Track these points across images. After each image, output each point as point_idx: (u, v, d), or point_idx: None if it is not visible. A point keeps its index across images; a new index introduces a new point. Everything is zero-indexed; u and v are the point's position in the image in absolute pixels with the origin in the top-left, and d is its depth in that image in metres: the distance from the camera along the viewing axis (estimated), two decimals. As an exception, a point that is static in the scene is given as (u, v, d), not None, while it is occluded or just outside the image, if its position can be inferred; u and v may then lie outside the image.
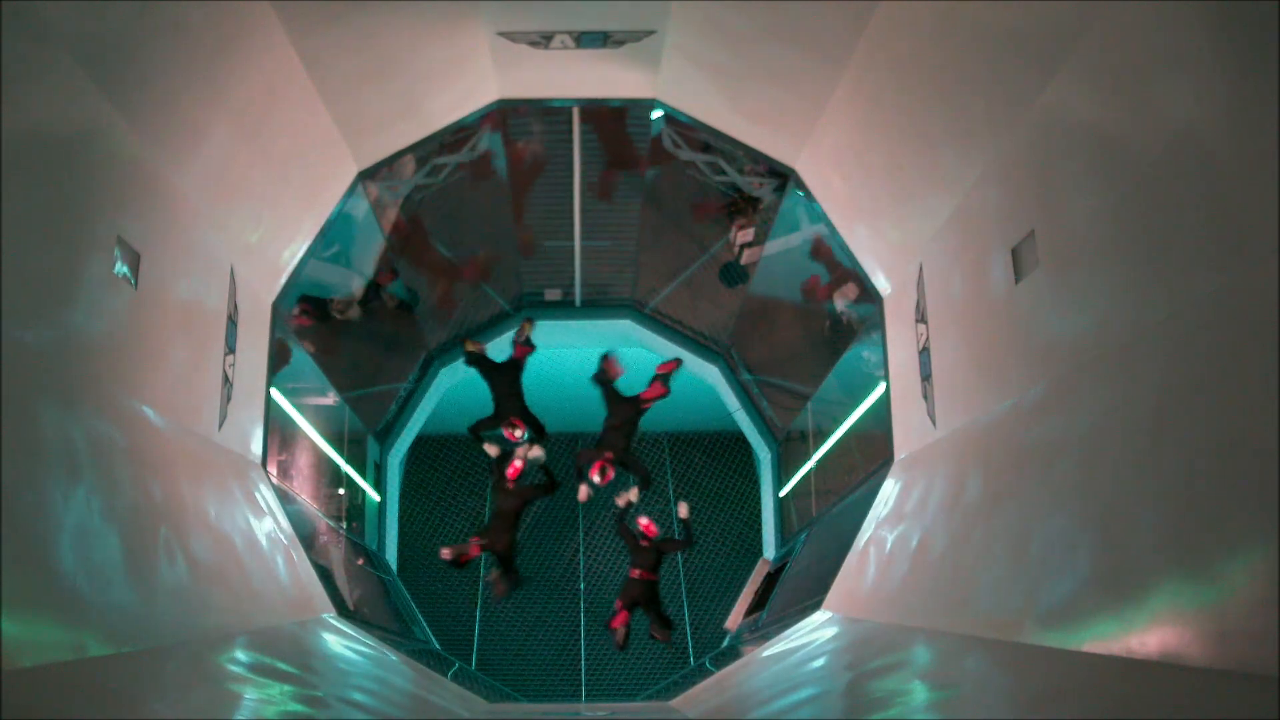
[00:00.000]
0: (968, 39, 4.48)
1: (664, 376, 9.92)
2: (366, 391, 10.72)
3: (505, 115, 8.23)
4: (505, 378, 9.90)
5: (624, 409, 9.80)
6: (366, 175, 7.66)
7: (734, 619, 10.58)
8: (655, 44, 6.66)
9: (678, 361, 10.13)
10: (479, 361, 10.09)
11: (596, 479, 9.38)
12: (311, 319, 8.72)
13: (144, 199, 4.68)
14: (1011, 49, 4.19)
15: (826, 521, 8.80)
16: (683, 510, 9.90)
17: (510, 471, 9.65)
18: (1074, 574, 3.38)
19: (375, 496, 11.29)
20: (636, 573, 9.54)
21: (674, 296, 11.08)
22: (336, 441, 9.64)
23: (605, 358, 10.01)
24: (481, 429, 9.86)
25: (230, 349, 6.01)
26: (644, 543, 9.56)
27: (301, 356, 8.37)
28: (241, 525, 5.62)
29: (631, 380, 10.21)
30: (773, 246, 9.47)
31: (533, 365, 12.61)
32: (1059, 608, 3.41)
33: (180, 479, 4.81)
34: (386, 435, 11.38)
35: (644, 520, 9.58)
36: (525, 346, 10.07)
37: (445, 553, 9.88)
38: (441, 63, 6.79)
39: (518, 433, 9.54)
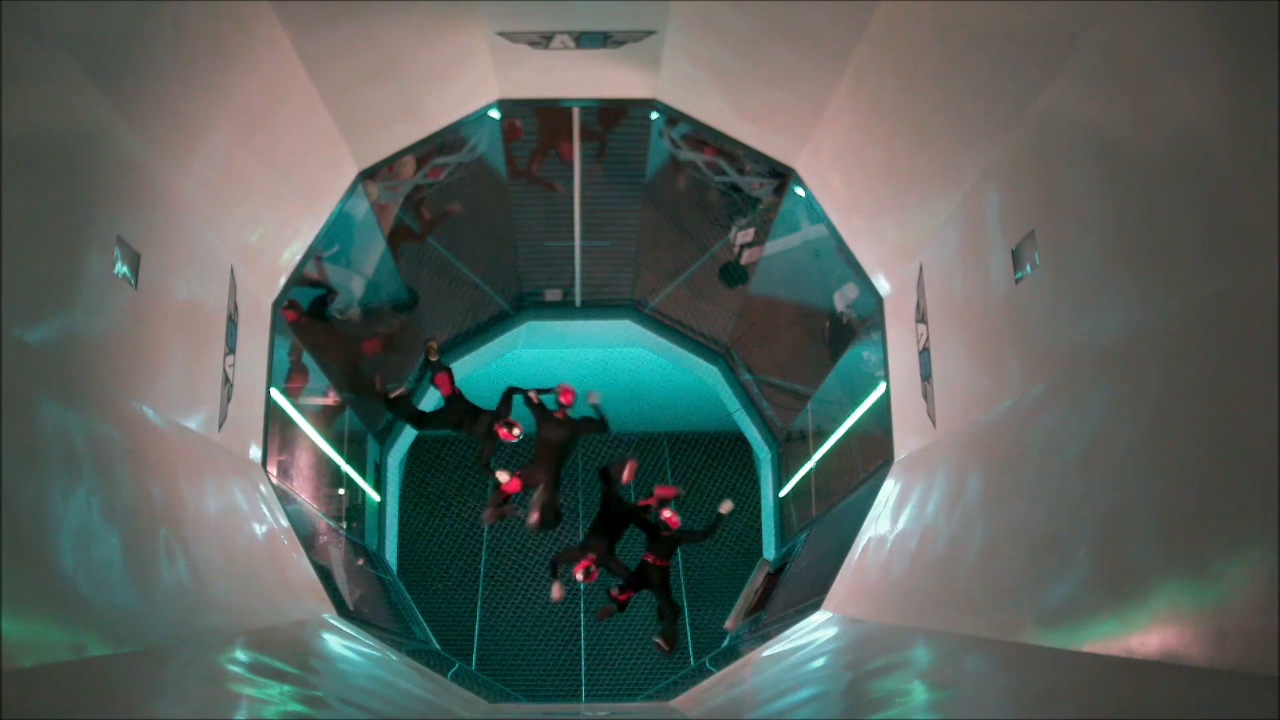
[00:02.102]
0: (968, 39, 4.48)
1: (663, 499, 9.59)
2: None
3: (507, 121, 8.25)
4: (457, 409, 9.34)
5: (620, 514, 9.43)
6: (366, 175, 7.66)
7: (734, 619, 10.58)
8: (655, 44, 6.66)
9: (677, 492, 9.79)
10: (416, 419, 9.46)
11: (580, 577, 9.09)
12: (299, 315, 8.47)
13: (144, 199, 4.68)
14: (1011, 49, 4.19)
15: (826, 521, 8.80)
16: (725, 506, 9.74)
17: (564, 396, 9.12)
18: (1074, 574, 3.38)
19: (375, 496, 11.30)
20: (650, 557, 9.38)
21: (674, 296, 11.09)
22: (336, 441, 9.64)
23: (627, 461, 9.60)
24: (488, 457, 9.30)
25: (230, 349, 6.01)
26: (665, 533, 9.40)
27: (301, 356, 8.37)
28: (241, 525, 5.62)
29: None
30: (773, 246, 9.47)
31: (533, 367, 12.63)
32: (1059, 608, 3.41)
33: (180, 479, 4.81)
34: (386, 435, 11.39)
35: (668, 513, 9.38)
36: (441, 371, 9.38)
37: (491, 511, 9.40)
38: (441, 63, 6.79)
39: (515, 431, 9.20)
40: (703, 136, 8.28)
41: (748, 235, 9.52)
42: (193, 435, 5.33)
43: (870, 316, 7.48)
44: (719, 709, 6.54)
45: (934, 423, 5.79)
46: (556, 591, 9.41)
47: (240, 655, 4.43)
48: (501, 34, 6.45)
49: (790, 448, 11.23)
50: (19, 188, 3.44)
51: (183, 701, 3.57)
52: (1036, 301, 4.27)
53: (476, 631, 12.48)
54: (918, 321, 6.12)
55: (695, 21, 6.28)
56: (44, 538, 3.21)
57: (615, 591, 9.45)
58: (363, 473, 10.81)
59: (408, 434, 11.63)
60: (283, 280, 7.14)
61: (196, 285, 5.47)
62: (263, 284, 6.81)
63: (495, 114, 7.90)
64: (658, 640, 9.62)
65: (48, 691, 2.78)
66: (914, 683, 4.18)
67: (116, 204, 4.37)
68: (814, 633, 6.45)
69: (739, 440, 12.78)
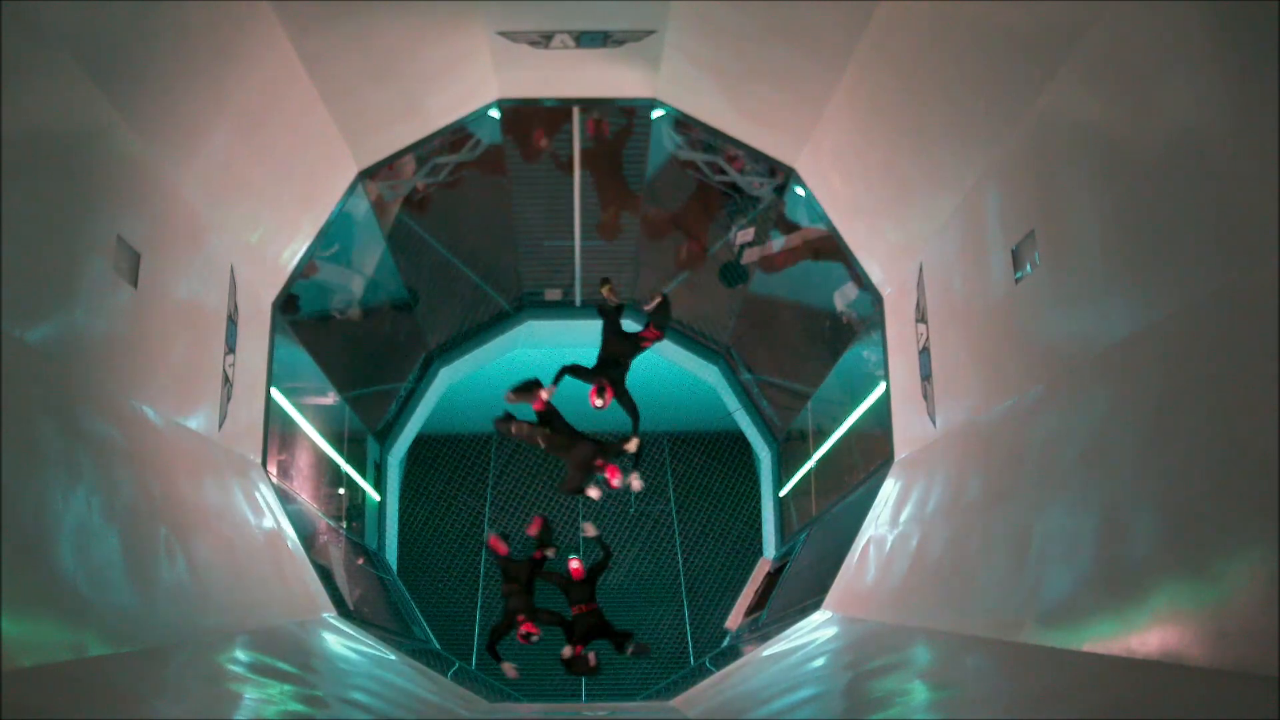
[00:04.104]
0: (968, 39, 4.48)
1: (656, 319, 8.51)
2: (366, 391, 10.72)
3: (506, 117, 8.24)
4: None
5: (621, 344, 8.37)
6: (367, 175, 7.66)
7: (734, 619, 10.58)
8: (655, 44, 6.66)
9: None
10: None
11: (598, 403, 8.13)
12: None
13: (144, 199, 4.68)
14: (1011, 49, 4.19)
15: (826, 521, 8.80)
16: (589, 530, 9.18)
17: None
18: (1074, 574, 3.38)
19: (375, 496, 11.29)
20: (578, 609, 8.76)
21: (674, 296, 11.07)
22: (336, 441, 9.64)
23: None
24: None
25: (230, 349, 6.01)
26: (577, 578, 8.80)
27: (301, 356, 8.36)
28: (241, 525, 5.62)
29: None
30: (772, 246, 9.47)
31: (533, 364, 12.62)
32: (1059, 607, 3.41)
33: (180, 479, 4.81)
34: (386, 435, 11.38)
35: (574, 563, 8.82)
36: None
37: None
38: (441, 63, 6.79)
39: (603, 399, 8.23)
40: (704, 137, 8.28)
41: (748, 235, 9.52)
42: (193, 435, 5.33)
43: (870, 316, 7.48)
44: (719, 709, 6.53)
45: (934, 423, 5.79)
46: (510, 670, 8.81)
47: (240, 655, 4.43)
48: (501, 34, 6.45)
49: (790, 447, 11.22)
50: (19, 188, 3.44)
51: (183, 701, 3.57)
52: (1036, 301, 4.27)
53: (476, 631, 12.48)
54: (918, 321, 6.13)
55: (695, 21, 6.28)
56: (44, 538, 3.21)
57: (574, 652, 8.73)
58: (363, 473, 10.80)
59: (408, 434, 11.63)
60: (283, 280, 7.14)
61: (196, 285, 5.47)
62: (263, 284, 6.81)
63: (495, 113, 7.90)
64: (633, 653, 8.68)
65: (48, 691, 2.78)
66: (914, 683, 4.18)
67: (116, 204, 4.37)
68: (814, 633, 6.45)
69: (739, 440, 12.78)
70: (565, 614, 8.79)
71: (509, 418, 8.46)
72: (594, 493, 8.59)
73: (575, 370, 8.13)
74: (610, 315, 8.30)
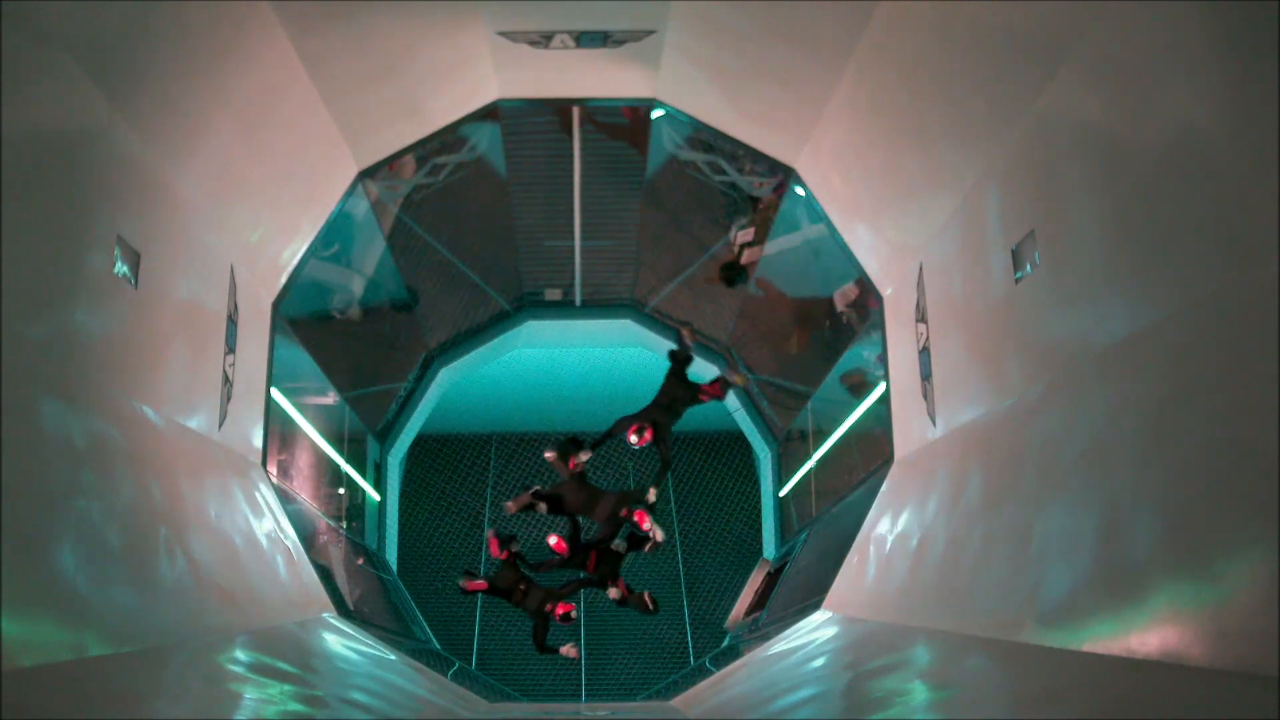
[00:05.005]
0: (968, 39, 4.48)
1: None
2: (366, 391, 10.72)
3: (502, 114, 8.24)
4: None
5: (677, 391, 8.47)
6: (366, 175, 7.66)
7: (734, 619, 10.58)
8: (655, 44, 6.66)
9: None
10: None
11: (634, 439, 8.18)
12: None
13: (144, 199, 4.68)
14: (1011, 49, 4.19)
15: (826, 521, 8.80)
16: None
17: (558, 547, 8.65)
18: (1074, 574, 3.38)
19: (375, 496, 11.29)
20: (591, 565, 8.68)
21: (674, 296, 11.08)
22: (336, 441, 9.64)
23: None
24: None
25: (230, 349, 6.01)
26: (561, 553, 8.71)
27: (301, 356, 8.36)
28: (241, 525, 5.62)
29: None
30: (773, 246, 9.47)
31: (533, 364, 12.64)
32: (1059, 607, 3.41)
33: (180, 479, 4.81)
34: (386, 435, 11.38)
35: (552, 540, 8.67)
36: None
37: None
38: (441, 63, 6.79)
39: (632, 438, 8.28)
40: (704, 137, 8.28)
41: (748, 235, 9.52)
42: (193, 435, 5.33)
43: (870, 316, 7.48)
44: (719, 709, 6.54)
45: (934, 423, 5.79)
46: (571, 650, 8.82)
47: (240, 655, 4.43)
48: (501, 34, 6.45)
49: (790, 447, 11.23)
50: (19, 188, 3.44)
51: (183, 701, 3.57)
52: (1036, 301, 4.27)
53: (476, 631, 12.48)
54: (918, 321, 6.13)
55: (695, 21, 6.28)
56: (44, 538, 3.21)
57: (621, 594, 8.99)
58: (363, 472, 10.80)
59: (408, 434, 11.63)
60: (283, 280, 7.15)
61: (196, 285, 5.47)
62: (263, 284, 6.81)
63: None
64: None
65: (48, 691, 2.78)
66: (914, 683, 4.18)
67: (116, 204, 4.37)
68: (814, 633, 6.45)
69: (739, 440, 12.78)
70: (578, 575, 8.75)
71: (529, 498, 8.47)
72: (619, 548, 8.44)
73: (620, 425, 8.16)
74: (678, 364, 8.32)
